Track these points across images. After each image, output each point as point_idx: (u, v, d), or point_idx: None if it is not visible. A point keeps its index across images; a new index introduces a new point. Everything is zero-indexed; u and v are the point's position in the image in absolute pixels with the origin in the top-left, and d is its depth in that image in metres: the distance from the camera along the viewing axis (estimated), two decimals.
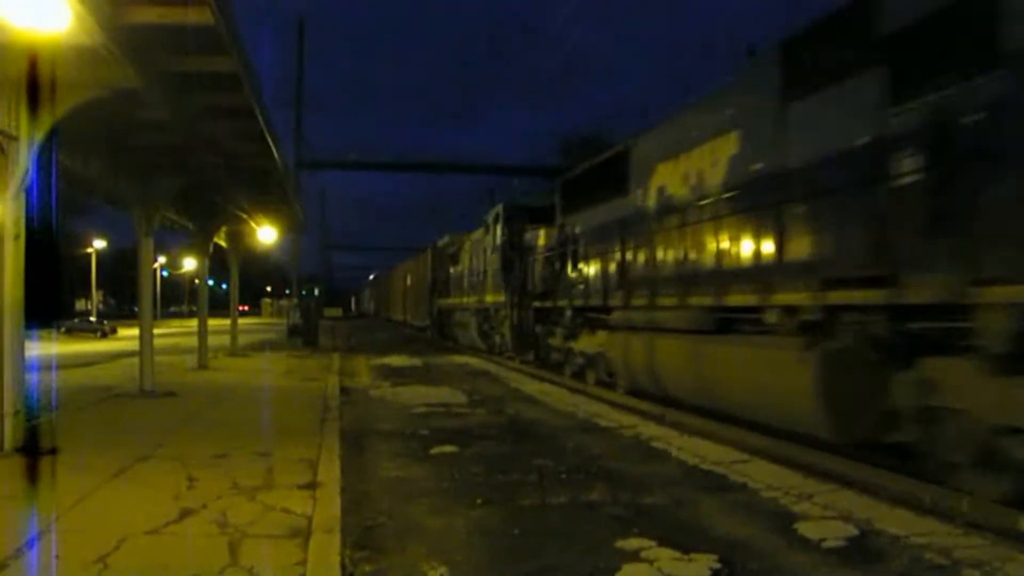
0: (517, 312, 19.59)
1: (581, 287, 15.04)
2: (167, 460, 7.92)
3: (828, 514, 6.25)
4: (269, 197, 19.37)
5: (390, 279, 64.45)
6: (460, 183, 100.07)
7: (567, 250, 15.93)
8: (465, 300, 27.60)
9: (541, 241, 18.33)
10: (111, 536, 5.26)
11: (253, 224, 22.15)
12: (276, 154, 14.84)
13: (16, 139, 7.92)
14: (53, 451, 8.15)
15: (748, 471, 7.81)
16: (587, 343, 15.20)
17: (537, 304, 18.01)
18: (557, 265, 16.60)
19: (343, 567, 4.87)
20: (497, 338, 23.18)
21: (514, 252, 20.24)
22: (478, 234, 26.01)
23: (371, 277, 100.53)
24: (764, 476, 7.57)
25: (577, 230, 15.45)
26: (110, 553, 4.96)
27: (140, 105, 9.84)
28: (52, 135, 8.38)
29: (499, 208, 22.34)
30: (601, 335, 14.29)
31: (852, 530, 5.78)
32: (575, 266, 15.43)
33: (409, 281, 47.45)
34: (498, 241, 21.88)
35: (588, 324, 14.99)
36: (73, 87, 8.22)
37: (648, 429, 10.51)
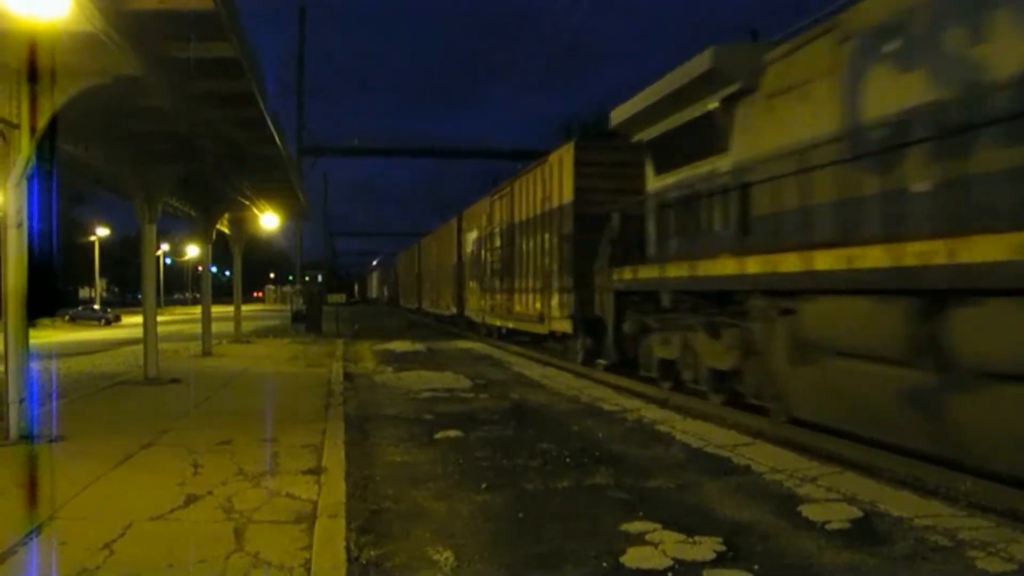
0: None
1: None
2: (172, 447, 7.96)
3: (832, 496, 6.25)
4: (272, 183, 19.36)
5: (417, 252, 46.18)
6: (462, 169, 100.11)
7: None
8: None
9: None
10: (117, 522, 5.29)
11: (256, 210, 22.15)
12: (278, 140, 14.81)
13: (17, 127, 7.92)
14: (58, 438, 8.21)
15: (751, 454, 7.82)
16: None
17: None
18: None
19: (348, 552, 4.88)
20: None
21: None
22: None
23: (374, 262, 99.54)
24: (767, 459, 7.57)
25: None
26: (116, 539, 4.99)
27: (142, 92, 9.81)
28: (53, 123, 8.36)
29: None
30: None
31: (856, 512, 5.78)
32: None
33: (473, 245, 26.99)
34: None
35: None
36: (74, 74, 8.20)
37: (651, 413, 10.52)
